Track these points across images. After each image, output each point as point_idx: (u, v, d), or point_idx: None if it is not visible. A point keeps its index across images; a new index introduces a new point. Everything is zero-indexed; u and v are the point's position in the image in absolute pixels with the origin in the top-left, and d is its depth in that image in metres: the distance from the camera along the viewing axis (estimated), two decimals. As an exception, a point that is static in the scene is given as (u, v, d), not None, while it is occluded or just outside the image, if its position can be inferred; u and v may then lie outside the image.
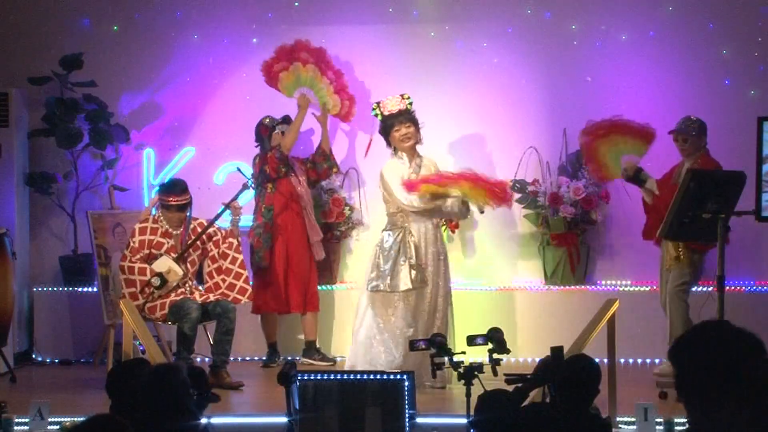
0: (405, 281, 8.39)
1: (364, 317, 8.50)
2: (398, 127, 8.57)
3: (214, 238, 8.77)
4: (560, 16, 10.09)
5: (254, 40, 10.23)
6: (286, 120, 9.58)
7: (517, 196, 9.93)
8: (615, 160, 8.80)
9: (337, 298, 9.85)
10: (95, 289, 9.78)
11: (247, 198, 9.50)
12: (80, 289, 9.94)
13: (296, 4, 10.24)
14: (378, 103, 8.75)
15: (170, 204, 8.66)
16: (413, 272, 8.39)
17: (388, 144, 8.68)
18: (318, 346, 9.59)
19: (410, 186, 8.40)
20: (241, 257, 8.81)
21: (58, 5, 10.29)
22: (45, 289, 10.01)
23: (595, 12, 10.06)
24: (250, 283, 8.92)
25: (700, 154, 8.80)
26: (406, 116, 8.61)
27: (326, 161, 9.66)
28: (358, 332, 8.50)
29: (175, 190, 8.72)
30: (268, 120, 9.55)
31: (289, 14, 10.22)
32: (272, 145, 9.47)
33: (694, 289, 9.64)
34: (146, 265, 8.53)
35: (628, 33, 10.02)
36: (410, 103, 8.70)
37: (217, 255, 8.77)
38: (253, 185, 9.23)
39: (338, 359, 9.74)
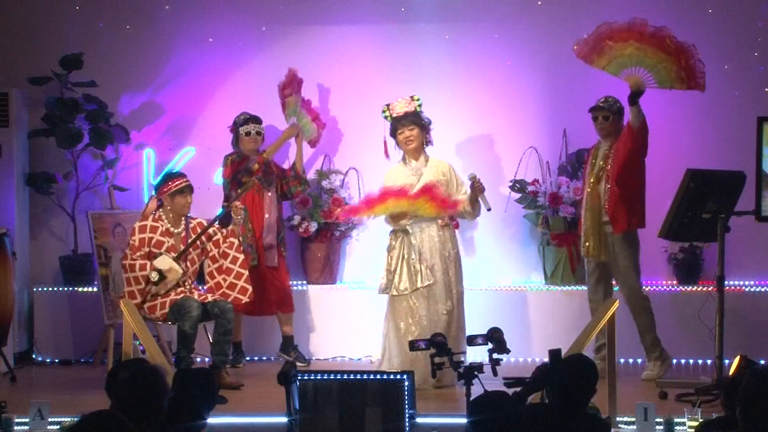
0: (405, 283, 8.45)
1: (387, 321, 8.59)
2: (402, 129, 8.64)
3: (214, 238, 8.77)
4: (561, 17, 10.08)
5: (254, 40, 10.23)
6: (251, 120, 9.49)
7: (516, 196, 9.95)
8: (621, 63, 8.65)
9: (337, 298, 9.85)
10: (95, 289, 9.78)
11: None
12: (80, 289, 9.94)
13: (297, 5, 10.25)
14: (387, 105, 8.77)
15: (180, 187, 8.66)
16: (413, 274, 8.43)
17: (398, 147, 8.73)
18: (296, 343, 9.54)
19: (365, 203, 8.49)
20: (242, 257, 8.81)
21: (59, 5, 10.29)
22: (45, 289, 10.01)
23: (595, 12, 10.05)
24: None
25: (618, 135, 8.79)
26: (410, 118, 8.64)
27: (300, 185, 9.61)
28: (386, 336, 8.59)
29: (175, 174, 8.84)
30: (241, 118, 9.52)
31: (291, 15, 10.21)
32: (243, 147, 9.43)
33: (693, 289, 9.68)
34: (147, 262, 8.53)
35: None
36: (419, 105, 8.71)
37: (217, 255, 8.77)
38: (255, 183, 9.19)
39: (339, 359, 9.74)
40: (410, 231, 8.54)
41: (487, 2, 10.14)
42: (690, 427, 7.06)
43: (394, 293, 8.50)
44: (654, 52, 8.63)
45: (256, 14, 10.24)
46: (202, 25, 10.24)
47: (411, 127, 8.62)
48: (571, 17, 10.05)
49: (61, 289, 9.99)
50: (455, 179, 8.73)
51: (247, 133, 9.40)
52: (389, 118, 8.74)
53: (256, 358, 9.79)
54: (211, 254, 8.78)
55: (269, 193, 9.41)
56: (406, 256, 8.50)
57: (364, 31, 10.18)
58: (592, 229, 8.75)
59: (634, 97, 8.62)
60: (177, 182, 8.71)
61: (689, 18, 9.93)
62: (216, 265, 8.77)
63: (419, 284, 8.45)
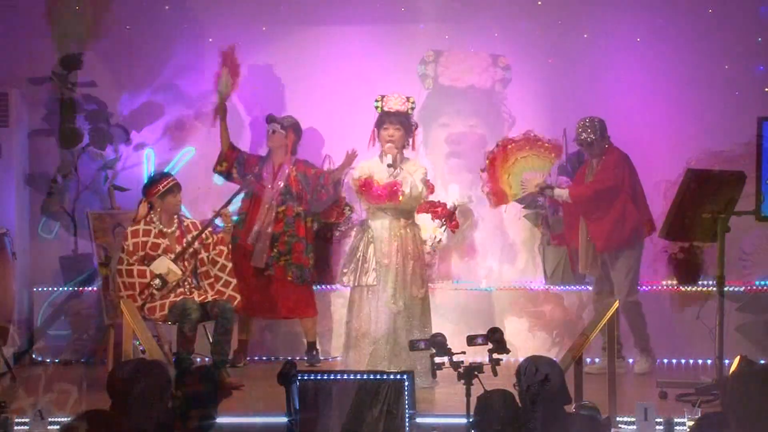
0: (348, 276, 8.43)
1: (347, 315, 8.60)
2: (387, 126, 8.52)
3: (206, 242, 8.74)
4: (561, 16, 10.08)
5: (254, 40, 10.23)
6: (269, 120, 9.54)
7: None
8: (516, 179, 8.99)
9: (337, 297, 9.85)
10: (95, 289, 9.78)
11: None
12: (80, 289, 9.94)
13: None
14: (382, 97, 8.68)
15: (169, 186, 8.65)
16: (360, 269, 8.39)
17: (379, 140, 8.66)
18: (317, 347, 9.56)
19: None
20: (230, 265, 8.77)
21: (59, 5, 10.28)
22: (45, 289, 10.01)
23: (595, 12, 10.05)
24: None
25: (606, 149, 8.86)
26: (399, 118, 8.53)
27: (340, 206, 9.65)
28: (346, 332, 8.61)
29: (162, 176, 8.81)
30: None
31: (291, 15, 10.21)
32: (270, 146, 9.48)
33: (693, 289, 9.68)
34: (145, 267, 8.52)
35: (628, 35, 10.02)
36: (412, 108, 8.63)
37: (206, 259, 8.73)
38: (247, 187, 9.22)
39: (339, 359, 9.73)
40: (371, 225, 8.49)
41: (487, 2, 10.14)
42: (689, 427, 7.05)
43: (339, 284, 8.50)
44: (528, 153, 9.01)
45: (256, 14, 10.24)
46: (202, 25, 10.24)
47: (397, 127, 8.51)
48: (571, 17, 10.05)
49: (61, 289, 9.99)
50: (417, 183, 8.48)
51: (273, 132, 9.46)
52: (379, 110, 8.66)
53: (256, 358, 9.79)
54: (199, 257, 8.74)
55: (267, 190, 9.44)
56: (359, 250, 8.44)
57: (364, 31, 10.18)
58: (583, 244, 8.88)
59: (543, 192, 9.03)
60: (165, 183, 8.69)
61: (689, 18, 9.94)
62: (203, 269, 8.74)
63: (363, 282, 8.36)
